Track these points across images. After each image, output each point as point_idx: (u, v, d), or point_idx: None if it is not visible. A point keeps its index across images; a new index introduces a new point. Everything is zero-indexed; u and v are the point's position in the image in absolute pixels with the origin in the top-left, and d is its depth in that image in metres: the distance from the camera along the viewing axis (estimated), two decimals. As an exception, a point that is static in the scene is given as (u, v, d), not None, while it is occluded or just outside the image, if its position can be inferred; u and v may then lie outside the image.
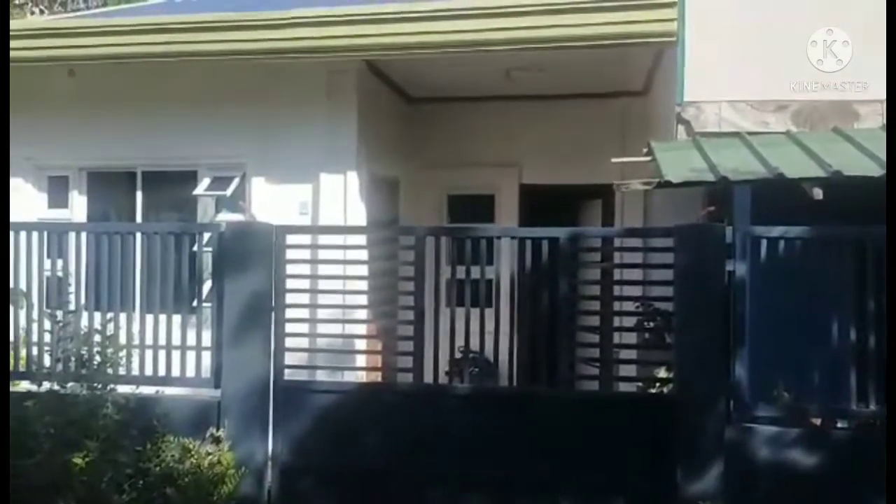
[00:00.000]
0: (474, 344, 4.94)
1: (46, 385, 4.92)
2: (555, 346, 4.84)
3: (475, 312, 4.91)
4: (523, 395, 4.88)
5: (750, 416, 4.56)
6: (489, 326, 4.94)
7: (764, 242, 4.53)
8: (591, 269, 5.33)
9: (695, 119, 5.67)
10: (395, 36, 6.03)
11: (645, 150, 5.37)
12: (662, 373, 5.04)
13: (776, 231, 4.50)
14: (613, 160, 5.50)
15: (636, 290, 5.46)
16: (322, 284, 5.21)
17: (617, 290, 5.22)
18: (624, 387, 5.14)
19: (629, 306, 5.38)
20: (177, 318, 5.22)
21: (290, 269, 5.04)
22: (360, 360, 5.93)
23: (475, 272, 5.00)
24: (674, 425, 4.53)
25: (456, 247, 5.00)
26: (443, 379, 5.61)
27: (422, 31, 5.96)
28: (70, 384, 4.65)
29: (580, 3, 5.69)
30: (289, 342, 5.02)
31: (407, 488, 4.78)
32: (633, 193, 6.41)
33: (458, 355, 5.09)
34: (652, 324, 5.45)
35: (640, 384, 5.25)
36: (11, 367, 5.32)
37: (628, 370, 5.42)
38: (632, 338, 5.53)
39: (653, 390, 5.04)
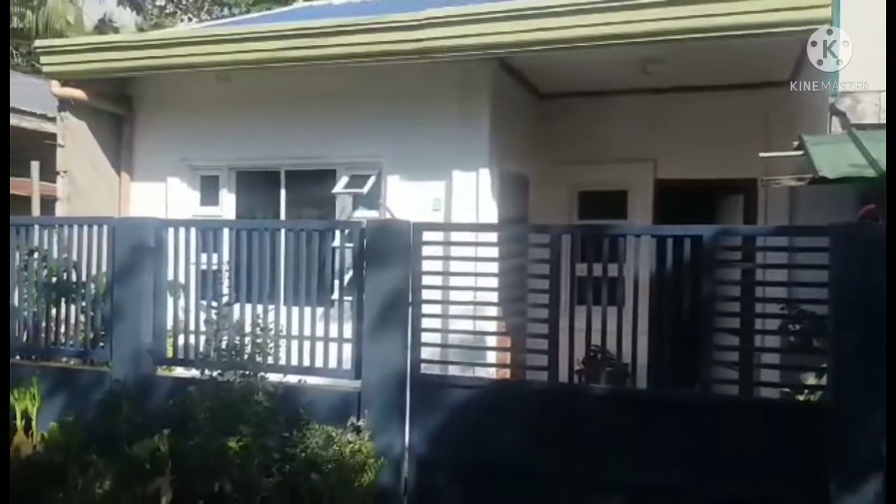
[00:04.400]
0: (607, 343, 4.86)
1: (195, 371, 5.28)
2: (694, 349, 4.69)
3: (606, 312, 4.82)
4: (661, 398, 4.74)
5: (913, 428, 4.23)
6: (621, 326, 4.84)
7: (932, 243, 4.18)
8: (733, 269, 5.11)
9: (851, 110, 5.31)
10: (530, 32, 6.00)
11: (795, 143, 5.09)
12: (812, 379, 4.78)
13: (945, 231, 4.15)
14: (761, 155, 5.25)
15: (779, 291, 5.19)
16: (456, 281, 5.27)
17: (759, 291, 4.99)
18: (765, 392, 4.91)
19: (772, 308, 5.12)
20: (319, 311, 5.42)
21: (426, 265, 5.14)
22: (491, 357, 5.97)
23: (608, 271, 4.90)
24: (826, 435, 4.28)
25: (592, 245, 4.93)
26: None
27: (558, 26, 5.90)
28: (226, 371, 4.93)
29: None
30: (424, 337, 5.12)
31: (540, 488, 4.75)
32: (777, 189, 6.10)
33: (590, 355, 5.03)
34: (798, 327, 5.17)
35: (786, 390, 4.99)
36: (170, 355, 5.74)
37: (768, 375, 5.18)
38: (775, 341, 5.27)
39: (801, 397, 4.78)
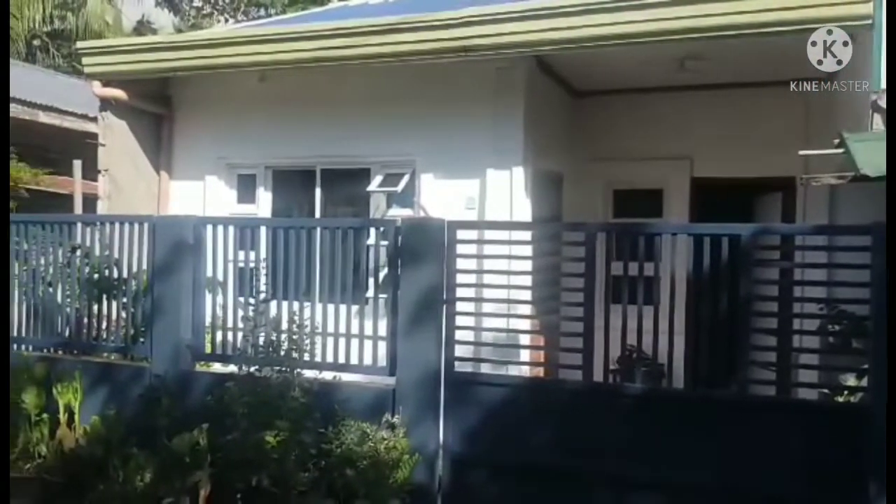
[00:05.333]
0: (642, 343, 4.82)
1: (233, 367, 5.35)
2: (731, 349, 4.64)
3: (641, 311, 4.78)
4: (698, 399, 4.70)
5: (958, 432, 4.14)
6: (657, 325, 4.80)
7: (978, 243, 4.09)
8: (771, 268, 5.04)
9: (893, 107, 5.20)
10: (569, 30, 5.96)
11: (836, 141, 5.00)
12: (851, 380, 4.71)
13: None
14: (800, 152, 5.16)
15: (819, 291, 5.12)
16: (490, 279, 5.27)
17: (798, 290, 4.91)
18: (803, 393, 4.84)
19: (811, 308, 5.05)
20: (354, 308, 5.46)
21: (460, 263, 5.15)
22: (525, 355, 5.97)
23: (644, 270, 4.86)
24: (866, 437, 4.21)
25: (628, 243, 4.90)
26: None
27: (597, 23, 5.86)
28: (264, 367, 4.99)
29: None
30: (458, 335, 5.13)
31: (574, 487, 4.74)
32: (817, 188, 6.01)
33: (625, 354, 4.99)
34: (837, 327, 5.08)
35: (824, 391, 4.92)
36: (209, 350, 5.83)
37: (807, 376, 5.10)
38: (813, 342, 5.19)
39: (840, 398, 4.71)
